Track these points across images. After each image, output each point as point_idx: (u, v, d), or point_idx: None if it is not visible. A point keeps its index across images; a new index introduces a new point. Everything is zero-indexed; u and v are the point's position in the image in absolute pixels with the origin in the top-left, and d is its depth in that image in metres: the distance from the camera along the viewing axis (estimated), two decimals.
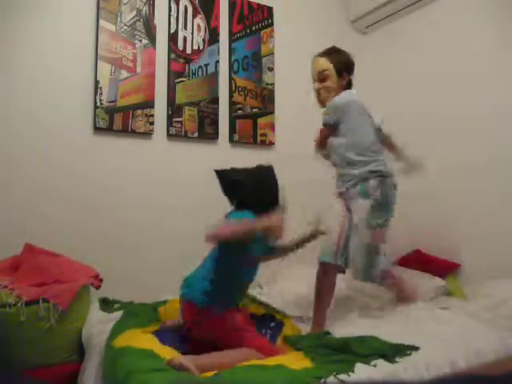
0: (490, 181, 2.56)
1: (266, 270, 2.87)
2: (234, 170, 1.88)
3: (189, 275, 1.81)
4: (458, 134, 2.75)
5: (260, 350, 1.55)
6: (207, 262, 1.78)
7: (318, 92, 2.21)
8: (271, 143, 3.09)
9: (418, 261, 2.65)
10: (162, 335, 1.70)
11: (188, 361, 1.41)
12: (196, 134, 2.82)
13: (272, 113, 3.11)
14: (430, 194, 2.89)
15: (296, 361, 1.44)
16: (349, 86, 2.22)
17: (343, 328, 1.83)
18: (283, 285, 2.52)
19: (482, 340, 1.68)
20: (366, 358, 1.46)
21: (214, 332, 1.65)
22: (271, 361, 1.44)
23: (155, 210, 2.67)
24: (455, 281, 2.58)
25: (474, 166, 2.64)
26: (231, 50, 2.99)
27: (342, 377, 1.34)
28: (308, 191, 2.83)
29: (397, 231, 3.02)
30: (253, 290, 2.62)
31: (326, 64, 2.17)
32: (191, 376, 1.35)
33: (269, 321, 1.98)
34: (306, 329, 1.95)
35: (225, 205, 2.84)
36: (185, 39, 2.83)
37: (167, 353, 1.51)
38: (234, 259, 1.72)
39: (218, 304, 1.65)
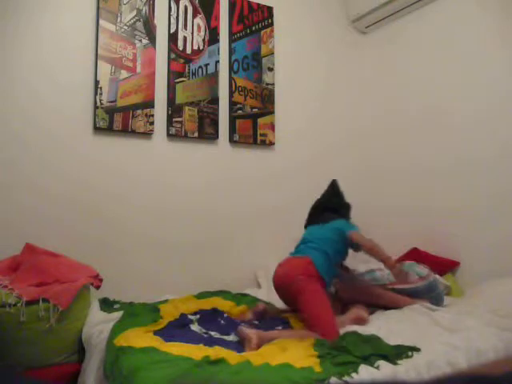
0: (490, 179, 2.56)
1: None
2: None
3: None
4: (457, 133, 2.76)
5: (326, 336, 1.72)
6: (322, 247, 2.12)
7: None
8: (271, 143, 3.09)
9: (417, 259, 2.65)
10: (168, 332, 1.71)
11: (253, 333, 1.66)
12: (196, 134, 2.82)
13: (272, 113, 3.11)
14: (430, 192, 2.89)
15: (302, 359, 1.45)
16: None
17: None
18: None
19: (483, 340, 1.68)
20: (369, 360, 1.46)
21: (307, 292, 1.90)
22: (277, 359, 1.44)
23: (155, 209, 2.67)
24: (452, 279, 2.58)
25: (473, 164, 2.64)
26: (231, 50, 2.99)
27: (346, 378, 1.34)
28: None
29: (395, 230, 3.05)
30: (251, 290, 2.62)
31: None
32: (191, 375, 1.35)
33: (277, 320, 2.02)
34: None
35: (223, 205, 2.86)
36: (185, 39, 2.83)
37: (172, 348, 1.51)
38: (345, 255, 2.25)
39: (326, 277, 2.02)
